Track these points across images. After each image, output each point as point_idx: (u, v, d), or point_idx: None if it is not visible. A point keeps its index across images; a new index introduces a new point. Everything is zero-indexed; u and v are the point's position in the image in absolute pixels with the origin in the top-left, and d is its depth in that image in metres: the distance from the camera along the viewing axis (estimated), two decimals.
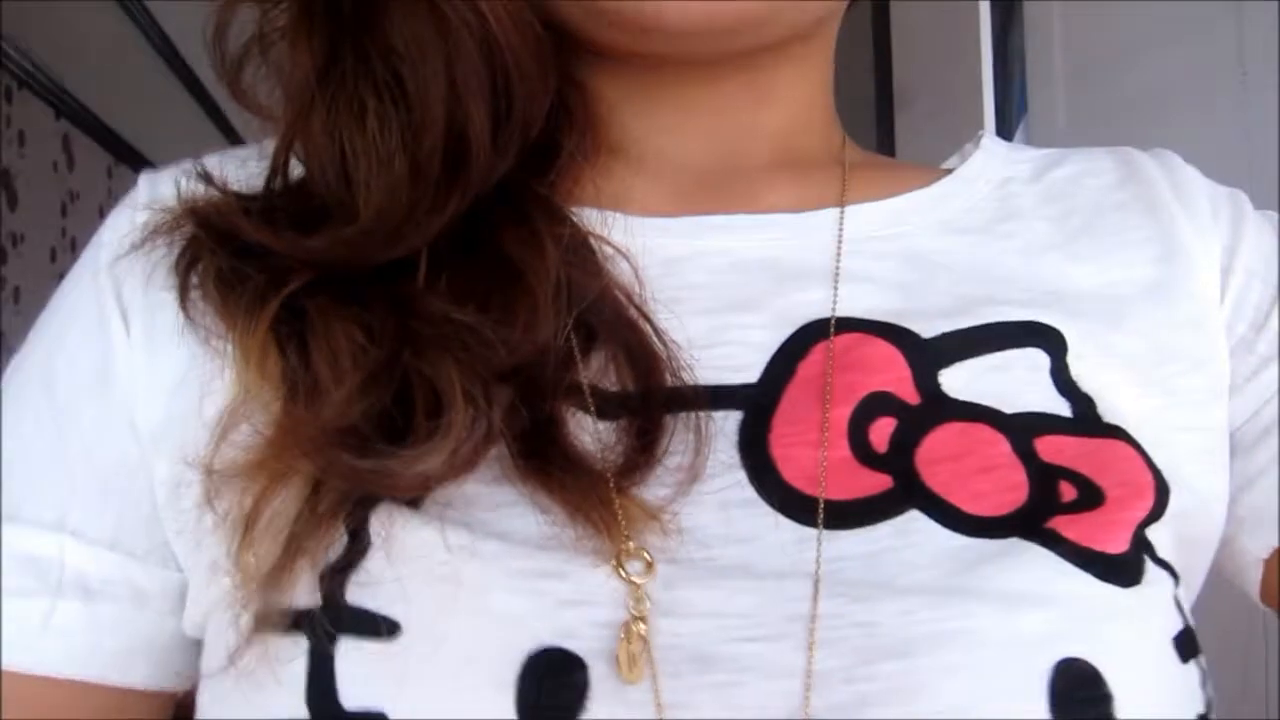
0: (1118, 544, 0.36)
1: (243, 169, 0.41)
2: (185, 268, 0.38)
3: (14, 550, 0.36)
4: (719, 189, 0.42)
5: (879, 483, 0.36)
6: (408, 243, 0.36)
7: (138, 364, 0.38)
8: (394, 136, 0.36)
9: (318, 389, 0.33)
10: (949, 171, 0.46)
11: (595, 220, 0.39)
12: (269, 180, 0.39)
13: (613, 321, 0.36)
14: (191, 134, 2.40)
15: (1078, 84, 1.33)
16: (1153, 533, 0.38)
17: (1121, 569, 0.36)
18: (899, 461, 0.37)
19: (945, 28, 1.42)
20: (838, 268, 0.40)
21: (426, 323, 0.34)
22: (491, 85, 0.37)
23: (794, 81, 0.44)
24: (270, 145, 0.40)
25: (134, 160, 2.51)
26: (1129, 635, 0.35)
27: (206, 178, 0.39)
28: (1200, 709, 0.36)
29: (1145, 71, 1.20)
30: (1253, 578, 0.44)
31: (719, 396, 0.36)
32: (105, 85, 1.99)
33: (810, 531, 0.35)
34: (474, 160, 0.36)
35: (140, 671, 0.38)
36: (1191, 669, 0.36)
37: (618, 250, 0.38)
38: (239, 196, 0.38)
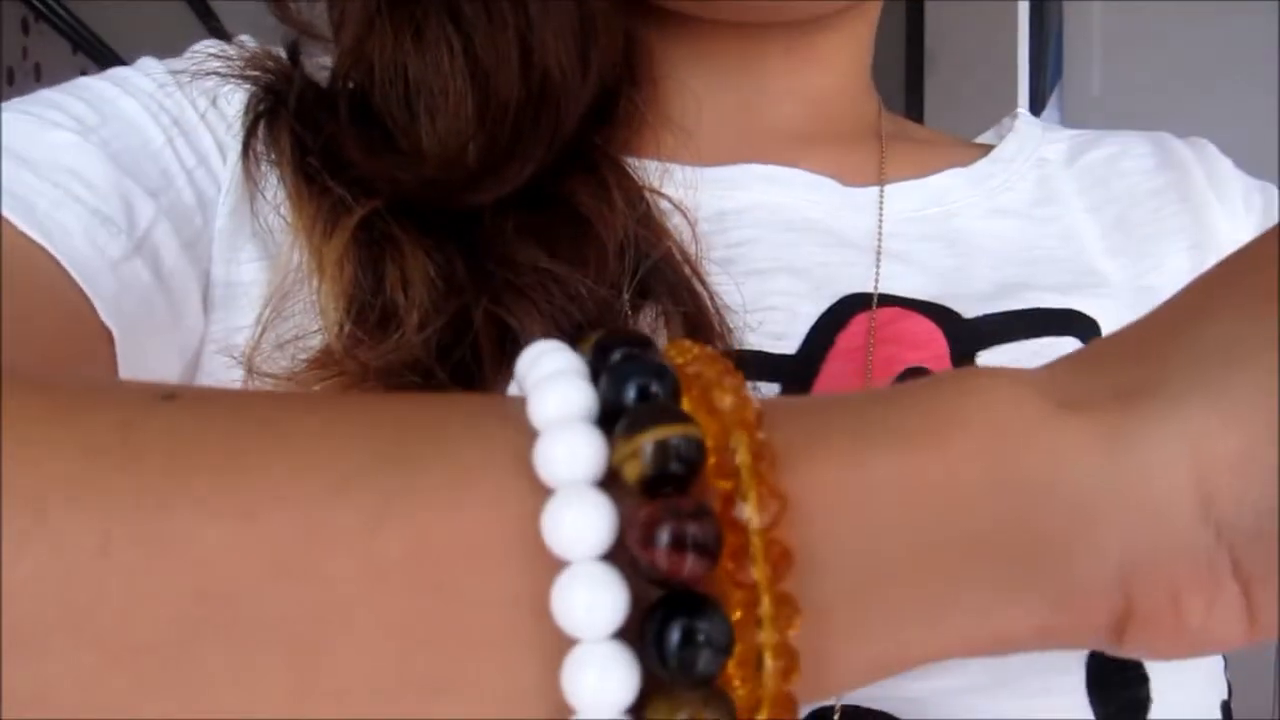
0: None
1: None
2: (253, 126, 0.36)
3: (121, 187, 0.33)
4: (760, 151, 0.41)
5: None
6: (494, 189, 0.35)
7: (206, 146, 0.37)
8: (461, 75, 0.35)
9: (387, 316, 0.33)
10: (984, 147, 0.46)
11: (654, 171, 0.38)
12: (324, 97, 0.37)
13: (672, 284, 0.36)
14: None
15: (1115, 52, 1.31)
16: None
17: None
18: None
19: (981, 27, 1.39)
20: (879, 248, 0.40)
21: (510, 269, 0.34)
22: (579, 22, 0.36)
23: (836, 47, 0.43)
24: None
25: None
26: None
27: (294, 53, 0.37)
28: (1224, 695, 0.37)
29: (1183, 43, 1.18)
30: None
31: (760, 366, 0.36)
32: (122, 19, 1.94)
33: None
34: (560, 106, 0.35)
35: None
36: (1216, 655, 0.37)
37: (675, 206, 0.37)
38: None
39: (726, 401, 0.16)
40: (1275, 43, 1.08)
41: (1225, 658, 0.38)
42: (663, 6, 0.39)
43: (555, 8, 0.35)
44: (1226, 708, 0.37)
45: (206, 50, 0.38)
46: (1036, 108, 1.36)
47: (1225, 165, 0.45)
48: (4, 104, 0.34)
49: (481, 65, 0.35)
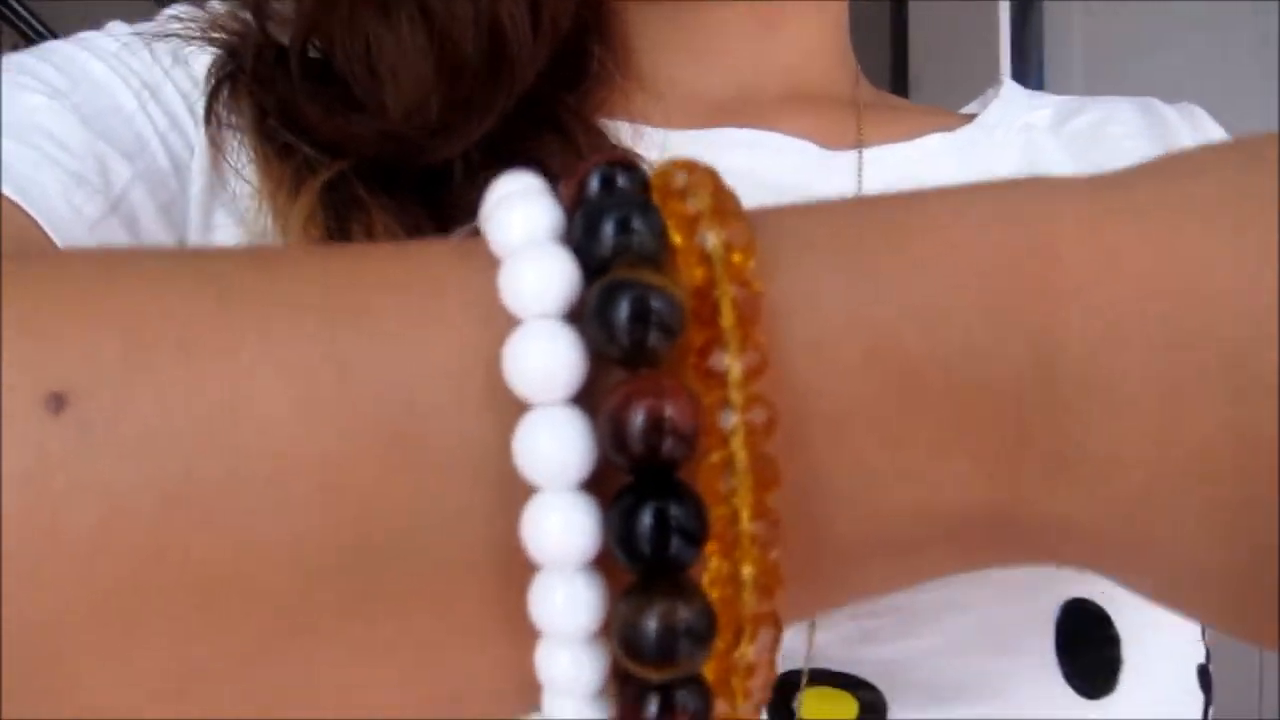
0: None
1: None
2: (216, 90, 0.36)
3: (95, 149, 0.33)
4: (734, 114, 0.41)
5: None
6: (457, 143, 0.34)
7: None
8: (420, 32, 0.35)
9: None
10: (968, 116, 0.45)
11: (627, 133, 0.38)
12: (282, 57, 0.37)
13: None
14: None
15: (1097, 77, 1.32)
16: None
17: None
18: None
19: (963, 16, 1.41)
20: None
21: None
22: None
23: (803, 11, 0.43)
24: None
25: None
26: None
27: (259, 14, 0.37)
28: (1201, 659, 0.36)
29: (1166, 66, 1.19)
30: None
31: None
32: None
33: None
34: (515, 56, 0.35)
35: None
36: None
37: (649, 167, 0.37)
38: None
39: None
40: (1259, 57, 1.09)
41: (1204, 626, 0.37)
42: None
43: None
44: (1204, 672, 0.36)
45: (170, 12, 0.38)
46: None
47: (1215, 131, 0.45)
48: None
49: (438, 21, 0.35)
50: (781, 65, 0.42)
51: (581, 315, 0.14)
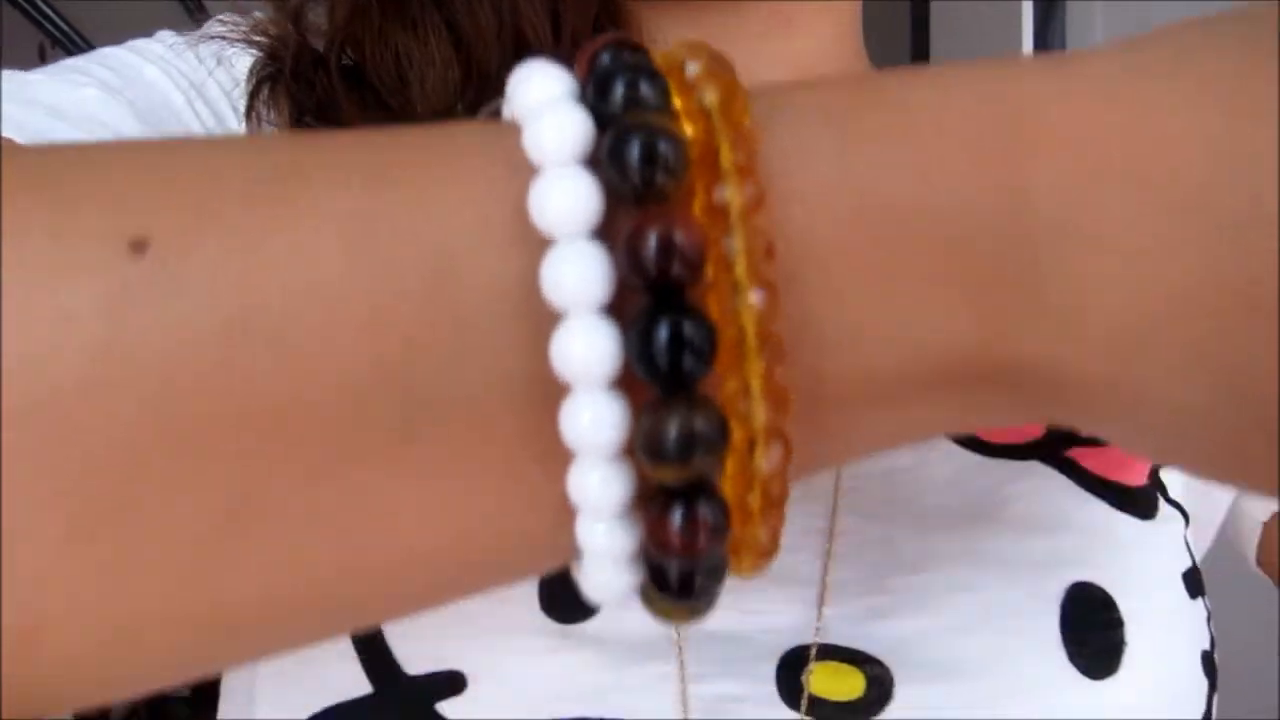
0: (1135, 477, 0.38)
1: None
2: (256, 90, 0.38)
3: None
4: None
5: None
6: None
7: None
8: (446, 44, 0.37)
9: None
10: None
11: None
12: (319, 60, 0.39)
13: None
14: None
15: None
16: (1165, 474, 0.40)
17: (1137, 500, 0.37)
18: None
19: (986, 27, 1.43)
20: None
21: None
22: None
23: (819, 11, 0.43)
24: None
25: None
26: (1142, 564, 0.36)
27: (297, 21, 0.39)
28: (1205, 645, 0.37)
29: None
30: (1251, 541, 0.46)
31: None
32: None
33: None
34: None
35: None
36: (1199, 605, 0.37)
37: None
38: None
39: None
40: None
41: (1209, 612, 0.38)
42: None
43: None
44: (1208, 658, 0.36)
45: (215, 20, 0.41)
46: None
47: None
48: (27, 72, 0.36)
49: (463, 34, 0.37)
50: (797, 63, 0.43)
51: (597, 163, 0.15)
